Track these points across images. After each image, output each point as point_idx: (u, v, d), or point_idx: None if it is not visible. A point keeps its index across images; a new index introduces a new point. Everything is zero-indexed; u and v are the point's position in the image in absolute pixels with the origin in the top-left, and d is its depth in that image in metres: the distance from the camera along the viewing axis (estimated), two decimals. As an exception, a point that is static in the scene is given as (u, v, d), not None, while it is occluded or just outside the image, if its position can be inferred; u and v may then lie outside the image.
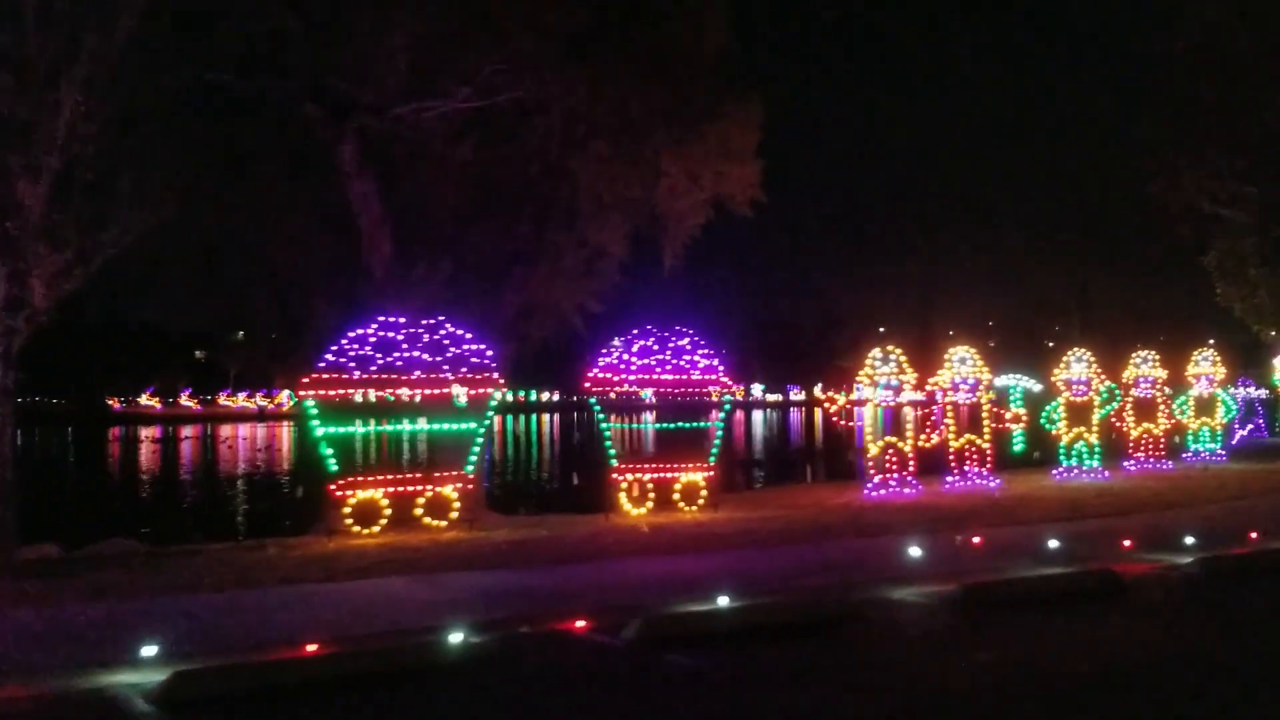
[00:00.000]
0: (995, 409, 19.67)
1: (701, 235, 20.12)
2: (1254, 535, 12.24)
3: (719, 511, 16.11)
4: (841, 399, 18.90)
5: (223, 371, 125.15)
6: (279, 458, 46.77)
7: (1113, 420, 22.45)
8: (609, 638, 7.97)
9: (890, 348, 18.68)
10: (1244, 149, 34.08)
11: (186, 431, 78.42)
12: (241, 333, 25.01)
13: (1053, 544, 11.66)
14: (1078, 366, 21.09)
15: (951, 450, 19.52)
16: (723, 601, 8.80)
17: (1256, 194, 33.07)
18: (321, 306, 17.48)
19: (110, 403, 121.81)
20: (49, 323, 11.66)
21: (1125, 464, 22.50)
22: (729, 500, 18.00)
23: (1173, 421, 23.13)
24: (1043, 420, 21.16)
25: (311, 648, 7.47)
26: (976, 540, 12.40)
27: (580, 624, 8.33)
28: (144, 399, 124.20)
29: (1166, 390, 22.91)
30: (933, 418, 19.44)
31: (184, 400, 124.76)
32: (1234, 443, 30.32)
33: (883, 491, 18.32)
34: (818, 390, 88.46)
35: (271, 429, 78.85)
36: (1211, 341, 37.33)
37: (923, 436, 19.85)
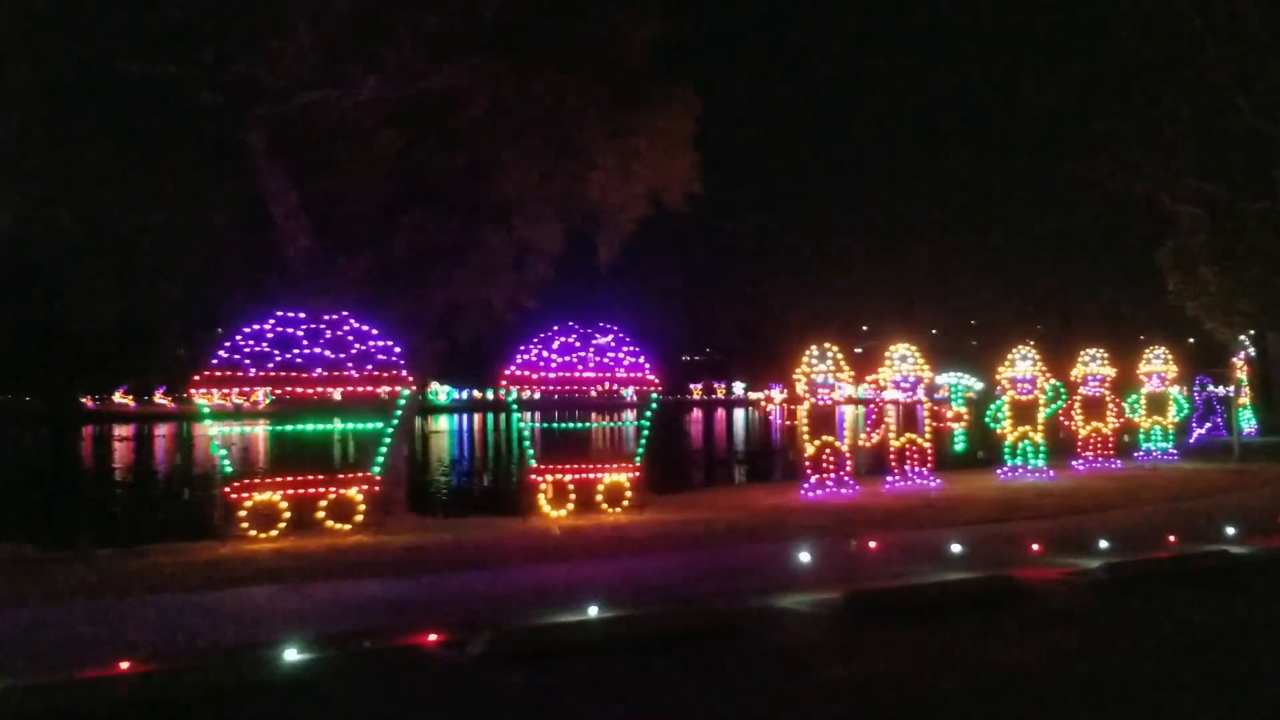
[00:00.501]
0: (936, 407, 19.31)
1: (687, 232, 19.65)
2: (1173, 539, 11.86)
3: (645, 513, 15.65)
4: (779, 398, 18.42)
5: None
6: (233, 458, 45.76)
7: (1061, 419, 22.13)
8: (455, 652, 7.50)
9: (828, 345, 18.26)
10: (1208, 146, 34.03)
11: (122, 431, 76.76)
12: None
13: (963, 548, 11.25)
14: (1023, 364, 20.73)
15: (892, 450, 19.15)
16: (593, 612, 8.33)
17: (1217, 190, 33.10)
18: (241, 302, 16.98)
19: (84, 401, 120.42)
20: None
21: (1074, 463, 22.17)
22: (663, 502, 17.55)
23: (1122, 420, 22.80)
24: (987, 419, 20.81)
25: (124, 666, 6.96)
26: (874, 545, 11.96)
27: (432, 637, 7.85)
28: (117, 397, 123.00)
29: (1111, 389, 22.58)
30: (873, 416, 19.09)
31: (158, 398, 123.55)
32: (1192, 441, 30.14)
33: (819, 492, 17.92)
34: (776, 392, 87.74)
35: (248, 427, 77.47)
36: (1191, 340, 37.20)
37: (862, 436, 19.51)
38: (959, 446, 19.56)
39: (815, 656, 7.69)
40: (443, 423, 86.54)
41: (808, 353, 18.20)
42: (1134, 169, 32.72)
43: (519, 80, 17.16)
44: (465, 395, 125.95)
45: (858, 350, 18.90)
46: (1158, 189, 29.74)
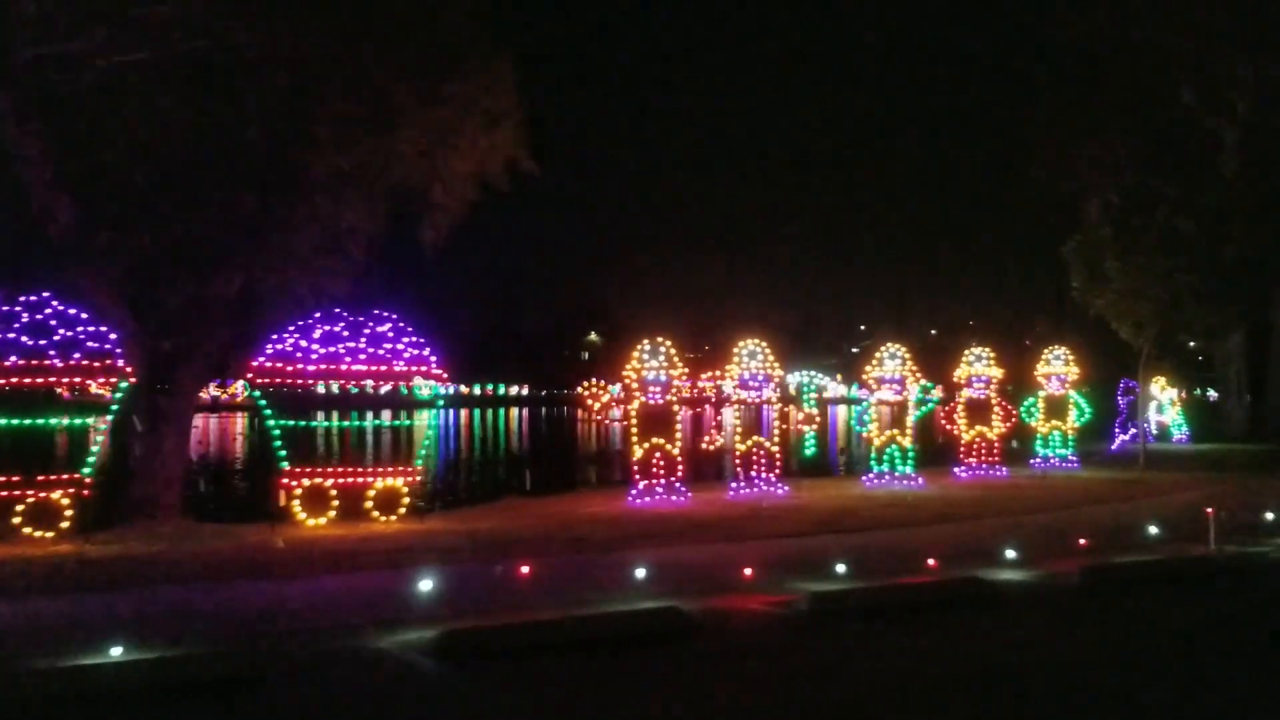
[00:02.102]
0: (787, 409, 17.78)
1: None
2: (933, 562, 10.30)
3: (426, 522, 14.16)
4: (606, 396, 16.90)
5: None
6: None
7: (942, 423, 20.62)
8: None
9: (660, 339, 16.72)
10: (1147, 137, 32.39)
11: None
12: None
13: (683, 571, 9.74)
14: (891, 363, 19.17)
15: (738, 454, 17.64)
16: (116, 653, 6.83)
17: (1162, 185, 31.47)
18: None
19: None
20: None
21: (956, 470, 20.63)
22: (469, 512, 16.01)
23: (1009, 424, 21.23)
24: (853, 422, 19.27)
25: None
26: (579, 565, 10.42)
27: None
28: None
29: (994, 390, 20.99)
30: (718, 417, 17.57)
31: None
32: (1114, 448, 28.62)
33: (647, 499, 16.41)
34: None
35: (224, 420, 74.11)
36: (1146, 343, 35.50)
37: (706, 438, 17.98)
38: (807, 451, 18.00)
39: (365, 710, 6.21)
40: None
41: (639, 347, 16.67)
42: (1071, 161, 31.18)
43: (323, 44, 15.65)
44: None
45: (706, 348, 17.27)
46: (1103, 184, 28.11)
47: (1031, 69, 42.03)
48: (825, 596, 8.62)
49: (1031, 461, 22.17)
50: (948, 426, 20.64)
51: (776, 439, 17.62)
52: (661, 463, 16.55)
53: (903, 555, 10.91)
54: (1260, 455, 27.13)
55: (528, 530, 13.49)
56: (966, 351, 20.86)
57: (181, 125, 15.49)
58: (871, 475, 19.03)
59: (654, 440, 16.59)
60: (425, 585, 8.90)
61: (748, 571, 9.64)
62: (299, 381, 13.62)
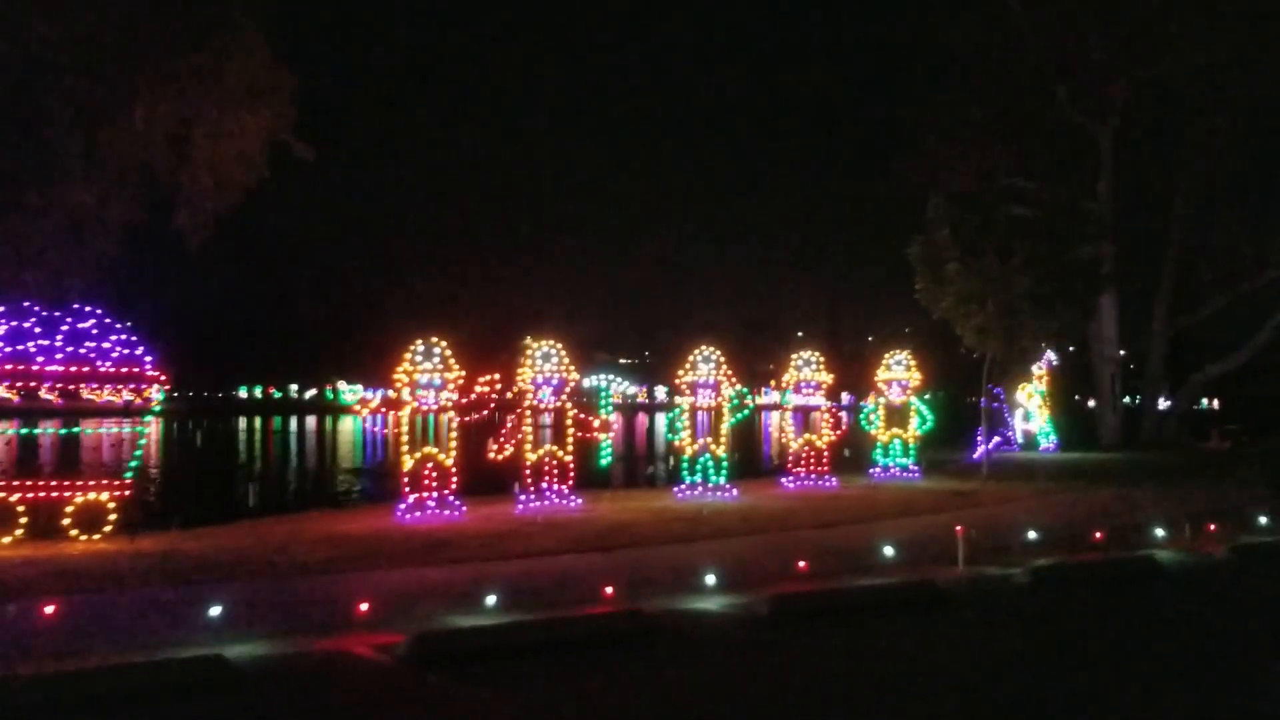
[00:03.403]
0: (580, 415, 16.60)
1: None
2: (610, 591, 9.16)
3: (135, 542, 12.70)
4: (375, 400, 15.57)
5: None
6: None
7: (775, 431, 19.60)
8: None
9: (434, 339, 15.44)
10: (1020, 139, 31.93)
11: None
12: None
13: (319, 603, 8.48)
14: (704, 367, 18.08)
15: (527, 464, 16.41)
16: None
17: (1027, 186, 30.99)
18: None
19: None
20: None
21: (784, 480, 19.64)
22: (206, 530, 14.45)
23: (840, 433, 20.29)
24: (665, 430, 18.16)
25: None
26: (144, 601, 9.15)
27: None
28: None
29: (828, 397, 20.06)
30: (506, 425, 16.33)
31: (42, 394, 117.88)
32: (975, 456, 27.89)
33: (418, 514, 15.12)
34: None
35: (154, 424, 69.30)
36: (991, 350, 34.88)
37: (494, 447, 16.72)
38: (603, 461, 16.85)
39: None
40: None
41: (411, 348, 15.38)
42: (943, 162, 30.60)
43: (53, 18, 14.23)
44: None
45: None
46: (948, 181, 27.51)
47: (909, 66, 41.77)
48: (430, 638, 7.38)
49: (871, 471, 21.27)
50: (778, 435, 19.65)
51: (570, 447, 16.45)
52: (434, 474, 15.29)
53: (606, 580, 9.74)
54: (1122, 464, 26.61)
55: (236, 551, 12.09)
56: (794, 356, 19.88)
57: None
58: (684, 486, 17.92)
59: (426, 450, 15.32)
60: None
61: (364, 606, 8.36)
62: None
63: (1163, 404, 35.22)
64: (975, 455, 27.89)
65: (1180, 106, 32.54)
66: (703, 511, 15.94)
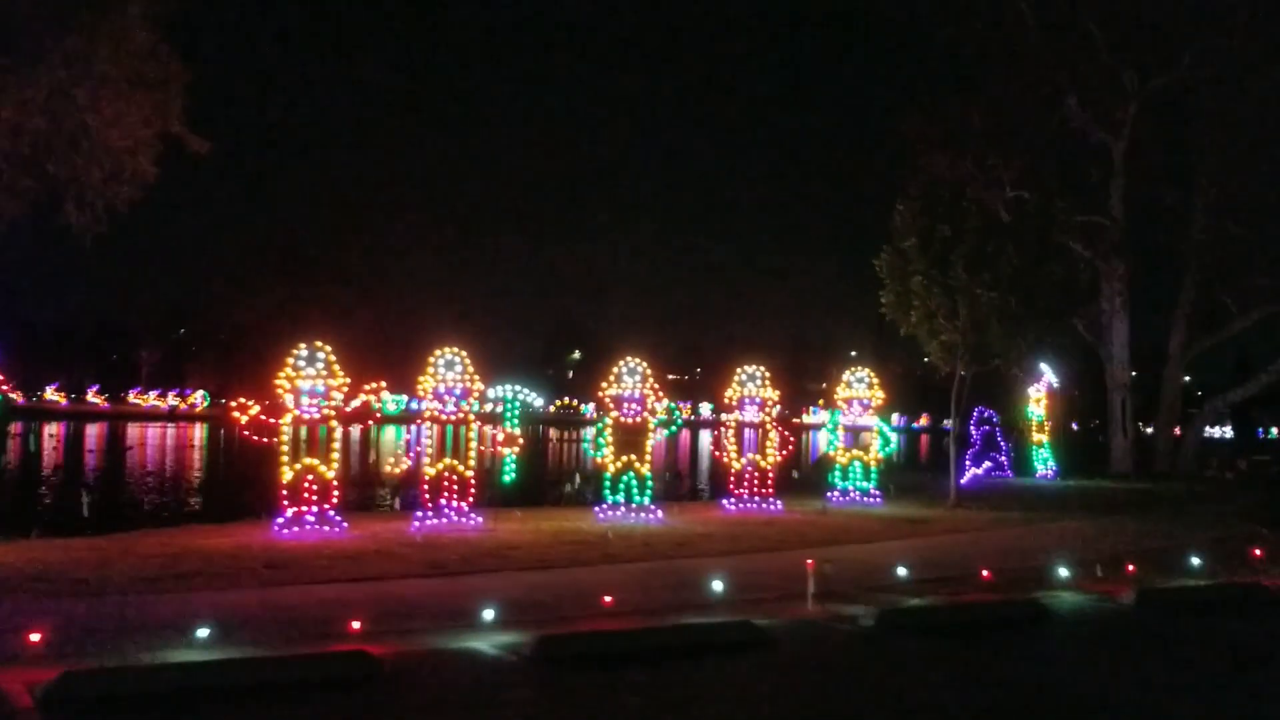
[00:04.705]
0: (485, 428, 15.54)
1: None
2: (357, 625, 8.00)
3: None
4: (255, 409, 14.64)
5: (134, 368, 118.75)
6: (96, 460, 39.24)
7: (712, 450, 18.35)
8: None
9: (319, 344, 14.50)
10: (1019, 149, 30.34)
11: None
12: None
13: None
14: (630, 379, 16.89)
15: (426, 479, 15.38)
16: None
17: (1029, 200, 29.35)
18: None
19: (13, 396, 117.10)
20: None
21: (725, 503, 18.34)
22: (55, 542, 13.51)
23: (785, 453, 18.93)
24: (585, 446, 17.00)
25: None
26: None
27: None
28: (49, 394, 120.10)
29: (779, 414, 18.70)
30: (408, 436, 15.31)
31: (90, 397, 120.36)
32: (963, 482, 26.24)
33: (296, 529, 14.15)
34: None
35: (182, 429, 69.88)
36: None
37: (390, 460, 15.71)
38: (506, 477, 15.72)
39: None
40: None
41: (294, 353, 14.46)
42: (947, 171, 29.12)
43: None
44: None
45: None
46: (987, 195, 26.04)
47: (913, 73, 40.29)
48: (77, 679, 6.30)
49: (828, 494, 19.84)
50: (717, 454, 18.40)
51: (472, 462, 15.38)
52: (315, 488, 14.32)
53: (376, 612, 8.58)
54: (1119, 493, 24.78)
55: (46, 565, 11.20)
56: (738, 370, 18.60)
57: None
58: (605, 506, 16.73)
59: (306, 461, 14.36)
60: None
61: (35, 637, 7.31)
62: None
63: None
64: (963, 480, 26.29)
65: (1197, 112, 30.74)
66: (609, 534, 14.74)
